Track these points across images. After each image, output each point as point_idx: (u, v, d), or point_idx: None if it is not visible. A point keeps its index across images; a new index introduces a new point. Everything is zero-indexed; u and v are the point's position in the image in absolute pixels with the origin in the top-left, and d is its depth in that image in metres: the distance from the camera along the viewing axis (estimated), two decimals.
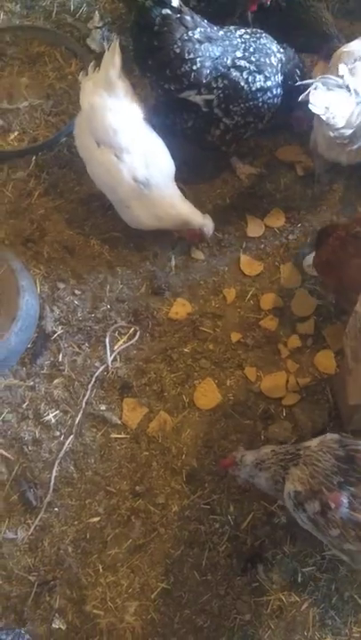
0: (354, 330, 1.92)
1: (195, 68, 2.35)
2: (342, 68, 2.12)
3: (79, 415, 2.40)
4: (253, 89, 2.44)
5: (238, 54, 2.41)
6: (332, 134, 2.33)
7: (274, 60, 2.46)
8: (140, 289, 2.66)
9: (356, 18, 3.16)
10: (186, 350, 2.54)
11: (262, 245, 2.75)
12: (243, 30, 2.50)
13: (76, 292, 2.64)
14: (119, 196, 2.56)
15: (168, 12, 2.30)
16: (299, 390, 2.43)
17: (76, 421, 2.39)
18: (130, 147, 2.48)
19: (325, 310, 2.56)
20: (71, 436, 2.36)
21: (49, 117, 3.01)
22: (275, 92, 2.48)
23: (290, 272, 2.67)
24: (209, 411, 2.42)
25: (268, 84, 2.46)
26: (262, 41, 2.48)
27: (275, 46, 2.50)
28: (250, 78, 2.42)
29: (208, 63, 2.37)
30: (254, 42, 2.46)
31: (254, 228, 2.78)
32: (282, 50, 2.52)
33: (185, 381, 2.48)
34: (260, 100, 2.47)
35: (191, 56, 2.32)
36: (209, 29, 2.38)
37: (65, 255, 2.72)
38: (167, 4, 2.31)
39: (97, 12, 3.25)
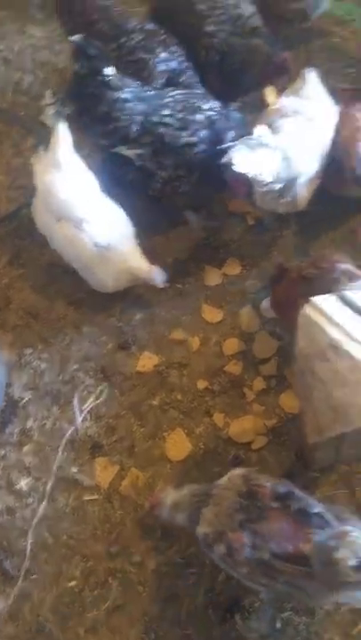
0: (297, 370, 1.97)
1: (121, 125, 2.54)
2: (260, 130, 2.25)
3: (51, 480, 2.41)
4: (180, 144, 2.60)
5: (166, 112, 2.60)
6: (262, 189, 2.44)
7: (200, 118, 2.61)
8: (107, 345, 2.72)
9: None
10: (154, 402, 2.57)
11: (221, 293, 2.83)
12: (176, 91, 2.68)
13: (43, 355, 2.71)
14: (84, 263, 2.67)
15: (99, 77, 2.54)
16: (266, 433, 2.45)
17: (48, 487, 2.40)
18: (88, 216, 2.60)
19: (286, 350, 2.60)
20: (44, 502, 2.37)
21: (9, 192, 3.15)
22: (201, 148, 2.62)
23: (249, 316, 2.73)
24: (180, 462, 2.43)
25: (194, 139, 2.60)
26: (192, 100, 2.65)
27: (207, 105, 2.65)
28: (175, 134, 2.59)
29: (137, 119, 2.56)
30: (184, 101, 2.64)
31: (212, 277, 2.87)
32: (215, 109, 2.65)
33: (155, 434, 2.50)
34: (188, 154, 2.62)
35: (118, 114, 2.53)
36: (138, 90, 2.60)
37: (30, 321, 2.80)
38: (99, 72, 2.53)
39: (49, 90, 3.45)
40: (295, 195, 2.66)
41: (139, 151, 2.59)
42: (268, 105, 3.14)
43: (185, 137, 2.60)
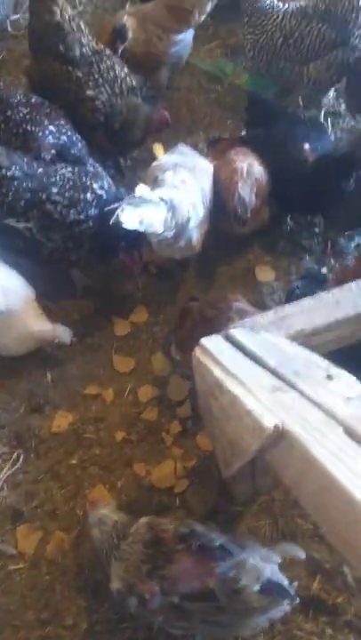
0: (201, 409, 2.02)
1: (8, 200, 2.56)
2: (139, 189, 2.36)
3: None
4: (67, 221, 2.65)
5: (54, 190, 2.64)
6: (156, 239, 2.54)
7: (90, 197, 2.68)
8: (19, 410, 2.68)
9: None
10: (73, 462, 2.54)
11: (131, 342, 2.86)
12: (67, 168, 2.73)
13: None
14: None
15: None
16: (187, 475, 2.47)
17: None
18: None
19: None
20: None
21: None
22: (90, 224, 2.68)
23: (160, 361, 2.78)
24: None
25: (82, 217, 2.67)
26: (83, 178, 2.71)
27: (97, 184, 2.73)
28: (63, 211, 2.64)
29: (25, 195, 2.58)
30: (73, 179, 2.69)
31: (121, 327, 2.90)
32: (104, 188, 2.74)
33: (76, 494, 2.46)
34: (76, 229, 2.68)
35: (4, 190, 2.55)
36: (27, 167, 2.62)
37: None
38: None
39: None
40: (189, 239, 2.77)
41: (26, 225, 2.63)
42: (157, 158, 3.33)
43: (73, 215, 2.65)
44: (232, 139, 3.16)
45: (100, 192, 2.72)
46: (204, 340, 1.87)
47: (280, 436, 1.39)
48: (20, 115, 2.88)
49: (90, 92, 3.00)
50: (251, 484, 2.27)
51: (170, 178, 2.65)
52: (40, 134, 2.87)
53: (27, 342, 2.66)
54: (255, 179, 2.89)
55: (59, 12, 2.91)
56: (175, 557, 1.73)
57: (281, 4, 3.16)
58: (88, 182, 2.71)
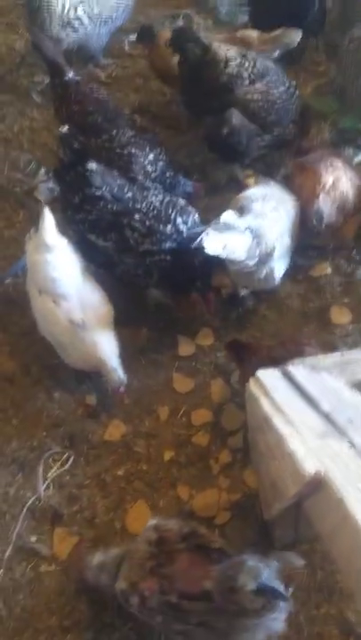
0: (250, 443, 1.97)
1: (90, 218, 2.65)
2: (225, 215, 2.37)
3: (9, 549, 2.37)
4: (140, 250, 2.67)
5: (137, 216, 2.66)
6: (235, 267, 2.53)
7: (169, 230, 2.67)
8: (77, 412, 2.74)
9: None
10: (119, 473, 2.56)
11: (193, 363, 2.86)
12: (158, 197, 2.75)
13: (14, 421, 2.73)
14: (56, 338, 2.71)
15: (80, 169, 2.65)
16: (230, 507, 2.41)
17: (6, 556, 2.35)
18: (67, 293, 2.64)
19: None
20: (0, 571, 2.34)
21: None
22: (162, 257, 2.68)
23: (219, 388, 2.75)
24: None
25: (154, 248, 2.67)
26: (169, 210, 2.71)
27: (181, 218, 2.71)
28: (139, 240, 2.66)
29: (107, 217, 2.66)
30: (160, 209, 2.69)
31: (186, 348, 2.91)
32: (187, 223, 2.72)
33: (118, 506, 2.47)
34: (148, 259, 2.68)
35: (89, 207, 2.63)
36: (117, 190, 2.67)
37: (5, 385, 2.84)
38: (80, 165, 2.65)
39: (42, 169, 3.64)
40: (271, 271, 2.75)
41: (105, 243, 2.69)
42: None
43: (147, 244, 2.66)
44: (323, 150, 3.15)
45: (181, 227, 2.71)
46: (261, 373, 1.83)
47: (320, 485, 1.33)
48: (126, 136, 3.00)
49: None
50: (293, 530, 2.18)
51: (259, 206, 2.65)
52: (141, 158, 2.98)
53: (89, 363, 2.66)
54: (340, 193, 2.87)
55: None
56: (177, 557, 1.77)
57: None
58: (173, 215, 2.71)
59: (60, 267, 2.68)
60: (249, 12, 3.80)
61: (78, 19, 3.68)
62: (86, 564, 2.00)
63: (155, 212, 2.71)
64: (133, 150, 2.99)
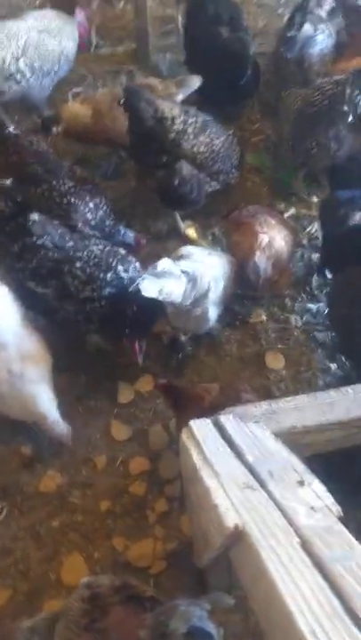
0: (185, 493, 1.99)
1: (30, 266, 2.70)
2: (162, 262, 2.47)
3: None
4: (81, 297, 2.72)
5: (78, 264, 2.71)
6: (171, 309, 2.61)
7: (110, 277, 2.73)
8: (11, 463, 2.70)
9: None
10: (54, 524, 2.52)
11: (132, 410, 2.87)
12: (99, 246, 2.81)
13: None
14: None
15: (20, 220, 2.72)
16: (166, 557, 2.41)
17: None
18: (5, 343, 2.60)
19: None
20: None
21: None
22: (101, 304, 2.73)
23: (158, 435, 2.77)
24: (76, 588, 2.34)
25: (94, 295, 2.72)
26: (110, 259, 2.77)
27: (122, 266, 2.78)
28: (79, 287, 2.71)
29: (48, 265, 2.71)
30: (99, 257, 2.75)
31: (125, 394, 2.92)
32: (128, 271, 2.78)
33: (52, 558, 2.44)
34: (88, 306, 2.73)
35: (30, 256, 2.69)
36: (58, 239, 2.74)
37: None
38: (22, 216, 2.72)
39: None
40: (205, 311, 2.83)
41: (44, 290, 2.74)
42: (189, 239, 3.47)
43: (87, 291, 2.71)
44: (256, 205, 3.27)
45: (122, 274, 2.76)
46: (193, 423, 1.87)
47: (239, 537, 1.37)
48: (65, 187, 3.07)
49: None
50: (227, 577, 2.19)
51: (196, 252, 2.76)
52: (81, 207, 3.04)
53: (28, 415, 2.63)
54: (275, 251, 3.00)
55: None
56: (110, 610, 1.76)
57: None
58: (114, 263, 2.76)
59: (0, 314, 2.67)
60: (187, 70, 3.99)
61: (20, 71, 3.75)
62: (15, 630, 1.94)
63: (96, 259, 2.76)
64: (73, 200, 3.06)
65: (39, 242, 2.70)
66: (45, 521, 2.53)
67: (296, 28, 3.71)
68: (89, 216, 3.07)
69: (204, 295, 2.74)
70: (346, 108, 3.24)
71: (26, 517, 2.54)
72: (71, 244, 2.78)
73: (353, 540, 1.41)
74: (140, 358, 2.86)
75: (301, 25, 3.72)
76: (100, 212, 3.10)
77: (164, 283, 2.51)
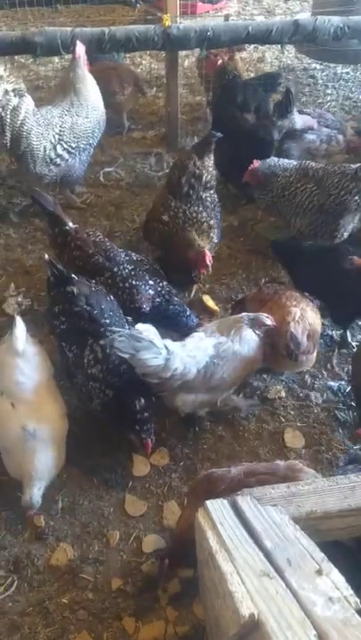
0: (199, 575, 1.94)
1: (62, 327, 2.94)
2: (141, 327, 2.55)
3: None
4: (88, 372, 2.80)
5: (102, 342, 2.77)
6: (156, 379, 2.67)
7: (122, 369, 2.78)
8: (24, 534, 2.67)
9: None
10: (64, 601, 2.46)
11: (147, 484, 2.85)
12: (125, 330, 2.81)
13: None
14: (3, 443, 2.70)
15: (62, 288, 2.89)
16: None
17: None
18: (27, 399, 2.69)
19: None
20: None
21: None
22: (103, 389, 2.79)
23: (172, 511, 2.73)
24: None
25: (101, 376, 2.78)
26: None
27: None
28: (91, 362, 2.79)
29: (76, 330, 2.87)
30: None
31: (140, 467, 2.91)
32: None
33: (60, 636, 2.36)
34: (90, 384, 2.79)
35: (64, 319, 2.93)
36: (97, 312, 2.86)
37: None
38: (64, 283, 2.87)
39: (12, 284, 3.80)
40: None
41: (68, 353, 2.87)
42: (210, 310, 3.55)
43: (95, 369, 2.78)
44: (276, 285, 3.32)
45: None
46: (209, 503, 1.85)
47: (254, 627, 1.33)
48: (126, 271, 3.21)
49: None
50: None
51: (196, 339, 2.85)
52: (143, 288, 3.18)
53: (20, 471, 2.63)
54: (308, 323, 2.99)
55: None
56: None
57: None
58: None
59: (27, 372, 2.75)
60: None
61: (59, 156, 3.99)
62: None
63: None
64: (134, 282, 3.19)
65: (76, 309, 2.84)
66: (55, 597, 2.46)
67: None
68: (151, 292, 3.19)
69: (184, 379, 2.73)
70: None
71: (35, 592, 2.48)
72: (107, 321, 2.86)
73: None
74: (149, 453, 2.84)
75: None
76: (158, 287, 3.23)
77: (139, 348, 2.56)
